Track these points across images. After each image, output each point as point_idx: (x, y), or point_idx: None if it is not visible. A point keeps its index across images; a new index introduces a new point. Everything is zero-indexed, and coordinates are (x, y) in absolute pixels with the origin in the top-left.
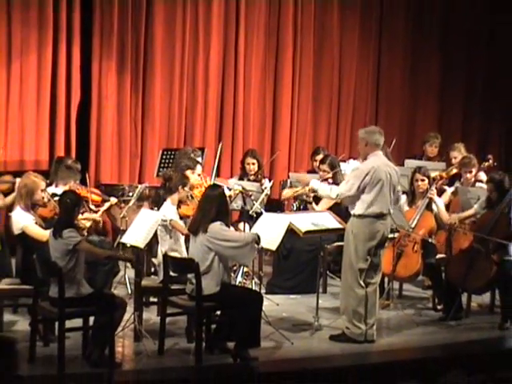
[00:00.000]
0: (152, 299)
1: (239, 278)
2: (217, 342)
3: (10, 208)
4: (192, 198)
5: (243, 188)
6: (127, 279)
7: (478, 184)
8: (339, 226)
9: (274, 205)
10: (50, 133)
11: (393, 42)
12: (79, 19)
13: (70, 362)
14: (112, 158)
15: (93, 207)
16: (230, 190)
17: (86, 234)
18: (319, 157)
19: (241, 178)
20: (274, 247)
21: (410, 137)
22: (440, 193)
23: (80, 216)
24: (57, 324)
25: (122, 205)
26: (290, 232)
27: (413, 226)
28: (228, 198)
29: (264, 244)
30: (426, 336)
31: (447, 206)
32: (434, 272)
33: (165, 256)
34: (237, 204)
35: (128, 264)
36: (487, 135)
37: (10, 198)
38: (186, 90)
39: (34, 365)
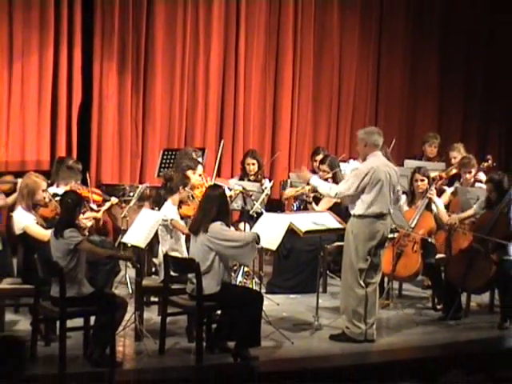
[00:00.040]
0: (153, 299)
1: (239, 278)
2: (217, 341)
3: (11, 208)
4: (193, 198)
5: (244, 188)
6: (128, 279)
7: (477, 184)
8: (339, 225)
9: (275, 205)
10: (51, 133)
11: (392, 43)
12: (80, 20)
13: (71, 361)
14: (113, 158)
15: (94, 206)
16: (230, 190)
17: (87, 233)
18: (319, 157)
19: (241, 179)
20: (274, 247)
21: (410, 137)
22: (440, 193)
23: (81, 216)
24: (58, 323)
25: (123, 205)
26: (291, 232)
27: (412, 225)
28: (228, 198)
29: (264, 244)
30: (426, 335)
31: (447, 206)
32: (434, 272)
33: (165, 256)
34: (237, 204)
35: (129, 264)
36: (486, 135)
37: (11, 198)
38: (186, 91)
39: (36, 364)
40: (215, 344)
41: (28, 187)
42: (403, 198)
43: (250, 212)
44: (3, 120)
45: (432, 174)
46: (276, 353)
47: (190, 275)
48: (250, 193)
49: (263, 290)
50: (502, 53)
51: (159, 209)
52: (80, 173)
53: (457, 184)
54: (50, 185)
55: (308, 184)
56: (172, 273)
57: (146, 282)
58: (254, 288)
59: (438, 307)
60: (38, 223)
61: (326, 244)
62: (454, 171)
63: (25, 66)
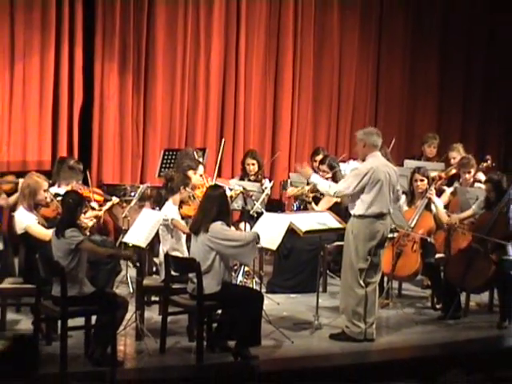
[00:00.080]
0: (154, 298)
1: (240, 278)
2: (218, 340)
3: (13, 208)
4: (194, 198)
5: (244, 188)
6: (129, 278)
7: (476, 184)
8: (339, 225)
9: (275, 205)
10: (52, 133)
11: (392, 43)
12: (81, 21)
13: (72, 360)
14: (114, 158)
15: (95, 205)
16: (231, 190)
17: (88, 233)
18: (319, 157)
19: (241, 179)
20: (274, 247)
21: (410, 137)
22: (439, 193)
23: (82, 216)
24: (59, 323)
25: (124, 204)
26: (291, 232)
27: (412, 225)
28: (229, 198)
29: (264, 243)
30: (425, 335)
31: (446, 206)
32: (433, 271)
33: (166, 255)
34: (238, 204)
35: (130, 263)
36: (486, 136)
37: (13, 198)
38: (187, 91)
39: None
40: (216, 343)
41: (29, 187)
42: (403, 197)
43: (251, 212)
44: (5, 120)
45: (431, 174)
46: (276, 352)
47: (190, 275)
48: (251, 193)
49: (263, 290)
50: (502, 53)
51: (160, 209)
52: (81, 173)
53: (456, 184)
54: (51, 185)
55: (308, 184)
56: (173, 272)
57: (146, 281)
58: (255, 287)
59: (438, 307)
60: (39, 223)
61: (326, 244)
62: (454, 171)
63: (26, 66)
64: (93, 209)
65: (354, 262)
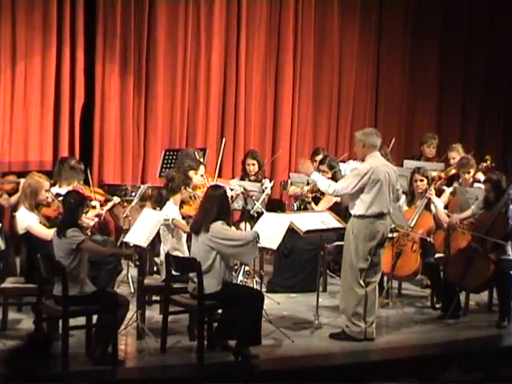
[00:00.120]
0: (154, 298)
1: (240, 277)
2: (218, 339)
3: (14, 208)
4: (195, 198)
5: (244, 189)
6: (130, 278)
7: (476, 184)
8: (339, 225)
9: (275, 205)
10: (53, 134)
11: (392, 43)
12: (83, 22)
13: (73, 359)
14: (115, 159)
15: (96, 203)
16: (231, 190)
17: (89, 233)
18: (319, 157)
19: (242, 179)
20: (274, 246)
21: (409, 137)
22: (439, 193)
23: (84, 215)
24: (61, 322)
25: (125, 204)
26: (291, 231)
27: (412, 225)
28: (229, 198)
29: (265, 243)
30: (425, 334)
31: (446, 206)
32: (433, 271)
33: (167, 255)
34: (238, 204)
35: (131, 263)
36: (485, 136)
37: (14, 198)
38: (187, 92)
39: None
40: (216, 342)
41: (31, 187)
42: (403, 197)
43: (251, 212)
44: (6, 121)
45: (431, 174)
46: (276, 351)
47: (191, 274)
48: (251, 193)
49: (264, 289)
50: (502, 53)
51: (161, 209)
52: (82, 173)
53: (456, 184)
54: (52, 185)
55: (308, 184)
56: (173, 272)
57: (147, 281)
58: (255, 287)
59: (437, 306)
60: (40, 223)
61: (326, 243)
62: (453, 171)
63: (28, 67)
64: (94, 207)
65: (354, 262)
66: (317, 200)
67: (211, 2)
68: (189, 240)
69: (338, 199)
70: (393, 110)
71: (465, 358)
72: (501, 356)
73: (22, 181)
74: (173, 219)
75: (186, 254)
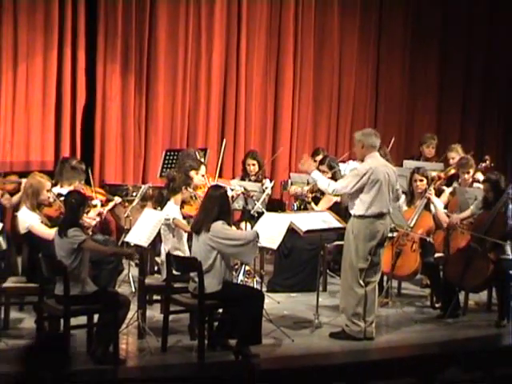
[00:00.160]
0: (155, 297)
1: (241, 277)
2: (219, 339)
3: (16, 208)
4: (195, 198)
5: (245, 189)
6: (131, 277)
7: (475, 184)
8: (339, 225)
9: (275, 204)
10: (55, 134)
11: (392, 44)
12: (84, 22)
13: (74, 358)
14: (116, 159)
15: (97, 202)
16: (232, 190)
17: (90, 233)
18: (319, 157)
19: (242, 179)
20: (275, 246)
21: (409, 137)
22: (438, 193)
23: (85, 215)
24: (62, 321)
25: (126, 204)
26: (291, 231)
27: (411, 225)
28: (230, 198)
29: (265, 243)
30: (424, 333)
31: (445, 206)
32: (432, 271)
33: (168, 255)
34: (238, 204)
35: (132, 263)
36: (485, 136)
37: (16, 198)
38: (188, 92)
39: None
40: (217, 342)
41: (32, 187)
42: (402, 197)
43: (251, 212)
44: (8, 121)
45: (431, 175)
46: (277, 350)
47: (192, 274)
48: (251, 193)
49: (264, 289)
50: (502, 53)
51: (162, 209)
52: (84, 173)
53: (455, 184)
54: (54, 185)
55: (308, 185)
56: (174, 271)
57: (148, 280)
58: (255, 287)
59: (437, 305)
60: (42, 223)
61: (326, 243)
62: (453, 171)
63: (29, 67)
64: (95, 206)
65: (354, 262)
66: (317, 200)
67: (212, 3)
68: (189, 240)
69: (338, 199)
70: (393, 110)
71: (464, 358)
72: (500, 355)
73: (24, 181)
74: (174, 219)
75: (187, 254)
